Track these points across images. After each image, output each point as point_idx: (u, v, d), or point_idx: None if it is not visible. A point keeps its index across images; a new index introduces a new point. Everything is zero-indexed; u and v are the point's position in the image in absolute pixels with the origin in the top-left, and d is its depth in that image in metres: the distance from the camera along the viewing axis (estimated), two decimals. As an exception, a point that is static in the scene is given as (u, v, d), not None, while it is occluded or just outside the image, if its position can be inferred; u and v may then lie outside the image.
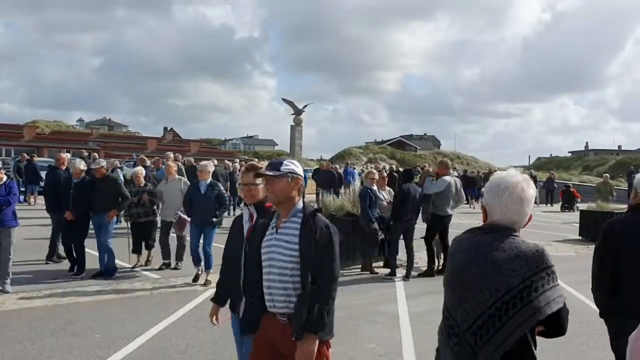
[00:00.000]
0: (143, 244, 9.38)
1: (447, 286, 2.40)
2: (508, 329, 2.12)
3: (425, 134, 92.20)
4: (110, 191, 8.67)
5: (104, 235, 8.61)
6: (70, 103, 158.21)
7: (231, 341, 3.74)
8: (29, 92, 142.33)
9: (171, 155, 13.96)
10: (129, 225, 9.39)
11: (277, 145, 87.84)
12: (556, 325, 2.22)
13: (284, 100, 36.26)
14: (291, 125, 35.49)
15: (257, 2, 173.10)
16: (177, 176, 9.55)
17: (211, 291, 7.78)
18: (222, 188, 8.67)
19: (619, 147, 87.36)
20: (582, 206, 20.78)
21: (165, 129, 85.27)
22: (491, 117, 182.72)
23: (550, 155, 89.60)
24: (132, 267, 9.14)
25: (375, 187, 9.51)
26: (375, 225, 9.23)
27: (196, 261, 8.30)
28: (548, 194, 28.06)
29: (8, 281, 7.51)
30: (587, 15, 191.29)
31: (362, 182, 15.77)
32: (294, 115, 35.24)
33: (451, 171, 9.83)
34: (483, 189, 2.44)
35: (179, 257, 9.21)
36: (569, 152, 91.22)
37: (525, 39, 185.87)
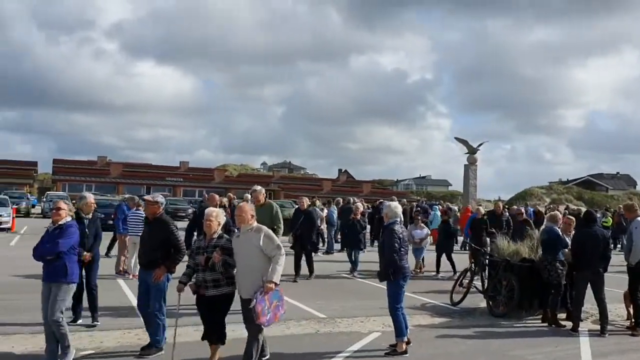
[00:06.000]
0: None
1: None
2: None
3: (618, 173, 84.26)
4: (158, 239, 6.22)
5: (153, 302, 6.22)
6: (257, 148, 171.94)
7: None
8: (222, 139, 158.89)
9: (260, 188, 9.92)
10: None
11: (450, 185, 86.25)
12: None
13: (457, 139, 35.37)
14: (465, 165, 34.45)
15: (429, 47, 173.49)
16: (255, 224, 5.84)
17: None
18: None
19: None
20: None
21: (339, 170, 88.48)
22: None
23: None
24: None
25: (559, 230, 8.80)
26: (560, 267, 8.48)
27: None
28: None
29: (69, 355, 5.78)
30: None
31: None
32: (467, 155, 34.24)
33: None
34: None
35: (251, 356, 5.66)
36: None
37: None
